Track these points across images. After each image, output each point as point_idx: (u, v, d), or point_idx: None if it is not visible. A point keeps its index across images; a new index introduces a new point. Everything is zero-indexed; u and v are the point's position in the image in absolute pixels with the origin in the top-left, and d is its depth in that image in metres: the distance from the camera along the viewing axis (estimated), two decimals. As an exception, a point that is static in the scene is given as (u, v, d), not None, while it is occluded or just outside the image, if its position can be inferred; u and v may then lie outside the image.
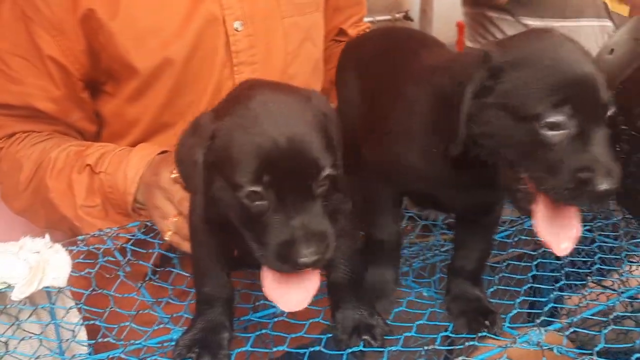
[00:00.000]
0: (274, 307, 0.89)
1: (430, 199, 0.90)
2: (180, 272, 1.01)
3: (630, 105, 0.96)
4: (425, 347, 0.79)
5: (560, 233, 0.74)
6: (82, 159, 1.04)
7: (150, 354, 0.84)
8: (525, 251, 1.07)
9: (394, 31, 1.25)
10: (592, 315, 0.85)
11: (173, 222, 0.94)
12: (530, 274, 0.98)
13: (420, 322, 0.86)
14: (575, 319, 0.82)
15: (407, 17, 3.34)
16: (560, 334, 0.80)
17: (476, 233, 0.90)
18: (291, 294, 0.71)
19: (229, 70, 1.10)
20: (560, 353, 0.76)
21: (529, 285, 0.95)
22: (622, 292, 0.92)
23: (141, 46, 1.04)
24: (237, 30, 1.09)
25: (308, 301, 0.72)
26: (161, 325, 0.89)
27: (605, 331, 0.78)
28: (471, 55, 0.77)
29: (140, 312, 0.91)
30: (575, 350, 0.76)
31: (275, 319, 0.91)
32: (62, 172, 1.05)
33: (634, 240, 1.06)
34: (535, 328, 0.80)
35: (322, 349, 0.80)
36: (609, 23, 1.77)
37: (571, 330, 0.80)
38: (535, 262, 1.01)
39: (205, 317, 0.83)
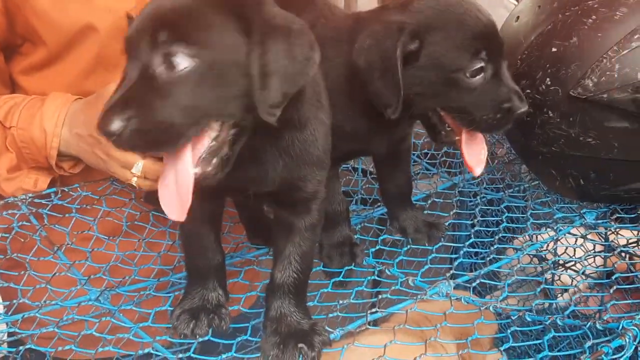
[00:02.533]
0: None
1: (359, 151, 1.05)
2: (99, 235, 0.99)
3: (532, 71, 1.01)
4: (341, 302, 0.82)
5: (476, 157, 0.90)
6: None
7: (70, 315, 0.84)
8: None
9: None
10: (499, 268, 0.90)
11: (139, 167, 0.91)
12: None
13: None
14: (482, 272, 0.86)
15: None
16: (468, 285, 0.85)
17: (398, 164, 1.03)
18: (170, 199, 0.69)
19: None
20: (467, 302, 0.81)
21: (441, 244, 0.99)
22: (526, 247, 0.98)
23: (62, 9, 0.99)
24: None
25: (184, 209, 0.68)
26: (79, 286, 0.89)
27: (509, 282, 0.83)
28: (388, 25, 0.84)
29: (57, 274, 0.90)
30: (480, 299, 0.81)
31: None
32: None
33: (539, 200, 1.13)
34: (445, 281, 0.84)
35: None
36: None
37: (478, 281, 0.85)
38: (449, 222, 1.06)
39: (200, 290, 0.82)
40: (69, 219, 0.99)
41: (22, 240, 0.94)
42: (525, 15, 1.06)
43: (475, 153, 0.91)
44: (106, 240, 1.00)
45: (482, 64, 0.84)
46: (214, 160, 0.69)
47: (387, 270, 0.92)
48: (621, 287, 0.94)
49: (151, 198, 1.00)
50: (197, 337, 0.78)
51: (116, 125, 0.63)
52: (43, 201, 1.00)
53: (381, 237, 1.01)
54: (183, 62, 0.64)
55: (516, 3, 1.81)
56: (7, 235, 0.94)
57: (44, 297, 0.87)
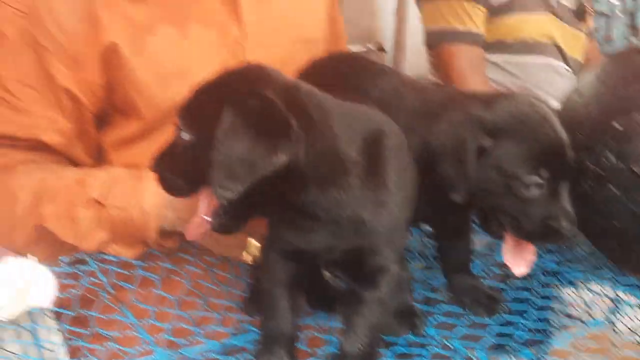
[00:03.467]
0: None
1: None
2: (162, 293, 1.02)
3: (596, 146, 1.01)
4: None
5: (520, 258, 0.92)
6: (86, 189, 1.01)
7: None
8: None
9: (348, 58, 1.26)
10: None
11: (255, 245, 0.96)
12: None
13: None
14: (545, 348, 0.86)
15: (380, 49, 3.39)
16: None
17: (458, 235, 1.05)
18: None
19: None
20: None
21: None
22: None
23: (164, 85, 1.03)
24: None
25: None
26: (145, 347, 0.90)
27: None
28: (469, 118, 0.88)
29: (126, 332, 0.92)
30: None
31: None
32: (63, 203, 1.01)
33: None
34: (506, 355, 0.84)
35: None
36: (562, 64, 1.84)
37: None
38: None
39: (269, 354, 0.84)
40: (133, 277, 1.02)
41: (94, 298, 0.96)
42: (587, 91, 1.06)
43: (520, 254, 0.93)
44: (170, 299, 1.02)
45: (540, 181, 0.86)
46: (219, 217, 0.81)
47: (446, 342, 0.92)
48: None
49: (250, 309, 1.02)
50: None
51: (153, 168, 0.83)
52: (111, 258, 1.02)
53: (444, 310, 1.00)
54: (186, 137, 0.78)
55: (568, 69, 1.82)
56: (75, 291, 0.96)
57: (109, 356, 0.89)
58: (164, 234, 1.02)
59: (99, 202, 1.01)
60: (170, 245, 1.05)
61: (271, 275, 0.84)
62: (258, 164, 0.69)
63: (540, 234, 0.88)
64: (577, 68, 1.87)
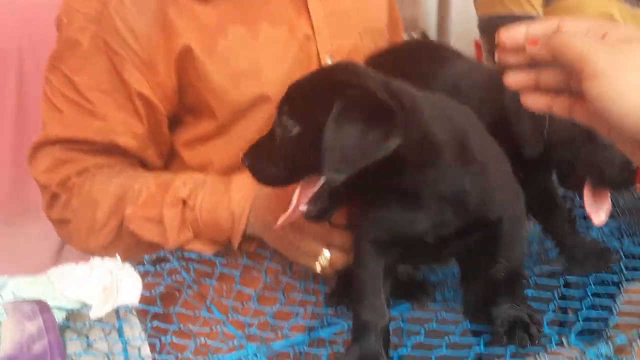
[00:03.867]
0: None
1: None
2: (242, 288, 1.03)
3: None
4: None
5: (599, 208, 0.93)
6: (172, 191, 1.03)
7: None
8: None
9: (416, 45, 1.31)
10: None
11: (326, 257, 0.97)
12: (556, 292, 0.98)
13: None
14: (641, 332, 0.84)
15: (424, 36, 3.36)
16: (628, 346, 0.82)
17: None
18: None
19: None
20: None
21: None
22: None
23: (237, 84, 1.05)
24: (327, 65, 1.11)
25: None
26: (233, 342, 0.91)
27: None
28: None
29: (213, 328, 0.93)
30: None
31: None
32: (148, 205, 1.03)
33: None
34: (602, 340, 0.82)
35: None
36: None
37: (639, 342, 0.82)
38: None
39: (362, 344, 0.86)
40: (213, 273, 1.03)
41: (177, 294, 0.98)
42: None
43: (599, 203, 0.92)
44: (249, 294, 1.03)
45: None
46: (318, 203, 0.82)
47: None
48: None
49: (331, 300, 1.04)
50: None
51: (246, 162, 0.86)
52: (192, 255, 1.04)
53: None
54: (292, 129, 0.80)
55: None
56: (159, 288, 0.97)
57: (197, 353, 0.90)
58: (247, 238, 1.03)
59: (185, 203, 1.02)
60: (251, 249, 1.06)
61: (366, 265, 0.87)
62: (371, 148, 0.75)
63: (622, 178, 0.90)
64: None
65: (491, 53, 1.87)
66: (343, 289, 1.03)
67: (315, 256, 0.98)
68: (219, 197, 1.02)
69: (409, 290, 0.99)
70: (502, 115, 0.92)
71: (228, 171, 1.09)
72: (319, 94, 0.80)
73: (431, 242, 0.85)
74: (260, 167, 0.85)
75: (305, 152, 0.80)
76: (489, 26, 1.79)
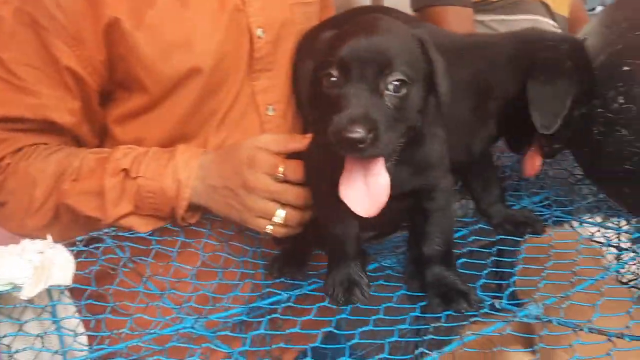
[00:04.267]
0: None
1: None
2: (179, 265, 1.02)
3: (604, 90, 1.01)
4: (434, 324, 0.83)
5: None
6: (112, 162, 1.01)
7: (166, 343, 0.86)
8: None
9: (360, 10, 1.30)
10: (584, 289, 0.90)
11: (281, 215, 0.97)
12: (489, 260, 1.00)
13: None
14: (569, 293, 0.86)
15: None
16: (557, 307, 0.85)
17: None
18: (361, 198, 0.80)
19: (248, 77, 1.11)
20: (559, 324, 0.81)
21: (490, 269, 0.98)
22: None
23: (167, 57, 1.02)
24: (259, 38, 1.10)
25: (377, 208, 0.80)
26: (172, 315, 0.90)
27: (599, 302, 0.83)
28: None
29: (150, 304, 0.92)
30: (572, 321, 0.80)
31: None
32: (87, 178, 1.01)
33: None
34: (533, 302, 0.84)
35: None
36: (549, 20, 1.83)
37: (567, 303, 0.85)
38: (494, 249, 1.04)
39: (342, 261, 0.92)
40: (149, 251, 1.01)
41: (112, 272, 0.96)
42: (594, 36, 1.06)
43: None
44: (189, 272, 1.02)
45: None
46: (388, 165, 0.80)
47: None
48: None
49: (280, 240, 1.05)
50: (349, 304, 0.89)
51: (363, 135, 0.73)
52: (126, 234, 1.02)
53: (460, 261, 1.01)
54: (401, 89, 0.78)
55: (555, 25, 1.81)
56: (93, 268, 0.96)
57: (133, 328, 0.88)
58: (191, 207, 1.02)
59: (127, 173, 1.01)
60: (192, 221, 1.05)
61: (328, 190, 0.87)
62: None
63: None
64: (563, 24, 1.86)
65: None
66: (285, 260, 1.04)
67: (268, 216, 0.98)
68: (163, 165, 1.01)
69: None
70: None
71: (161, 147, 1.07)
72: (415, 51, 0.82)
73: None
74: (374, 141, 0.75)
75: (411, 109, 0.80)
76: (421, 3, 1.80)
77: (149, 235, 1.03)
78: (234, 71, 1.08)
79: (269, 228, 0.98)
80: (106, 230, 1.01)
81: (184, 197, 1.00)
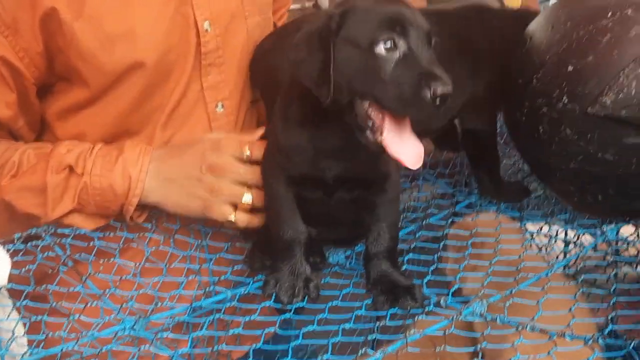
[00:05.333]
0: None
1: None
2: (122, 262, 0.99)
3: (549, 89, 1.02)
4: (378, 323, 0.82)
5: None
6: (55, 158, 0.97)
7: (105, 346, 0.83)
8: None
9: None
10: (528, 286, 0.91)
11: (248, 197, 0.97)
12: (436, 255, 1.01)
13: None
14: (513, 290, 0.87)
15: (316, 6, 3.34)
16: (501, 304, 0.86)
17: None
18: (410, 148, 0.81)
19: (197, 72, 1.08)
20: (503, 322, 0.82)
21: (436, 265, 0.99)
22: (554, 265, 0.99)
23: (109, 49, 0.98)
24: (206, 31, 1.06)
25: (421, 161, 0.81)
26: (112, 317, 0.88)
27: (542, 300, 0.84)
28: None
29: (89, 304, 0.90)
30: (516, 319, 0.81)
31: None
32: (28, 173, 0.98)
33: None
34: (477, 300, 0.85)
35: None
36: None
37: (510, 301, 0.85)
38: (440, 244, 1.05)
39: (289, 262, 0.91)
40: (91, 248, 0.99)
41: (51, 271, 0.94)
42: (538, 35, 1.07)
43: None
44: (132, 270, 0.99)
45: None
46: None
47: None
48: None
49: (248, 234, 1.04)
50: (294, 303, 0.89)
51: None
52: (66, 231, 0.99)
53: (406, 257, 1.01)
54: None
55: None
56: (32, 267, 0.93)
57: (74, 329, 0.86)
58: (141, 204, 1.00)
59: (72, 170, 0.97)
60: (140, 220, 1.03)
61: (281, 193, 0.92)
62: None
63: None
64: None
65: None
66: (263, 251, 1.01)
67: (237, 199, 0.97)
68: (112, 162, 0.98)
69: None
70: None
71: (101, 143, 1.04)
72: None
73: (329, 183, 0.90)
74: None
75: None
76: None
77: (91, 231, 1.00)
78: (180, 65, 1.05)
79: (232, 216, 0.97)
80: (45, 227, 0.98)
81: (135, 193, 0.98)
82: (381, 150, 0.80)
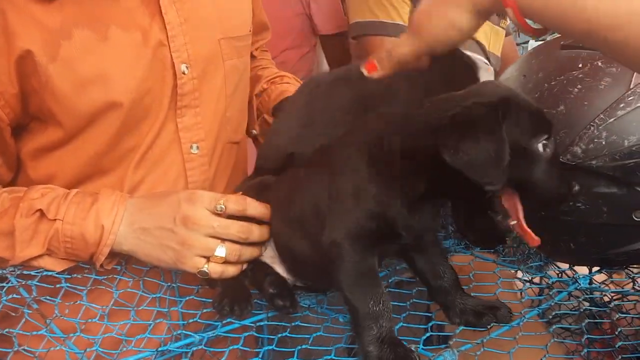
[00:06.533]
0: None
1: None
2: (89, 304, 0.97)
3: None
4: None
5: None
6: (27, 202, 0.96)
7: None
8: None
9: None
10: (499, 335, 0.90)
11: (222, 250, 0.95)
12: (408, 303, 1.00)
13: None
14: (485, 339, 0.87)
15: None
16: (472, 353, 0.85)
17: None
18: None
19: (173, 113, 1.07)
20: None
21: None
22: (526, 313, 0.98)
23: (82, 92, 0.98)
24: (183, 74, 1.06)
25: None
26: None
27: (513, 350, 0.84)
28: None
29: (51, 349, 0.88)
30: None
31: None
32: (0, 218, 0.96)
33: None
34: (448, 349, 0.84)
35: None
36: (482, 58, 1.88)
37: (481, 350, 0.85)
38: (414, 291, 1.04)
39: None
40: (58, 290, 0.97)
41: (13, 314, 0.91)
42: (511, 84, 1.08)
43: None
44: (98, 312, 0.98)
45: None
46: None
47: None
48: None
49: (213, 282, 1.02)
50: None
51: None
52: (32, 272, 0.97)
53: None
54: None
55: (488, 64, 1.86)
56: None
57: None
58: (112, 253, 0.98)
59: (42, 214, 0.96)
60: (109, 267, 1.01)
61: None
62: None
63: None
64: (496, 63, 1.91)
65: (359, 58, 1.90)
66: (232, 296, 0.99)
67: (209, 253, 0.95)
68: (86, 210, 0.96)
69: None
70: None
71: (73, 183, 1.03)
72: None
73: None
74: None
75: None
76: (358, 32, 1.82)
77: (58, 273, 0.98)
78: (156, 107, 1.05)
79: (206, 267, 0.95)
80: (11, 268, 0.96)
81: (107, 243, 0.96)
82: (509, 231, 0.87)
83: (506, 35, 2.02)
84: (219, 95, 1.13)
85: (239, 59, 1.18)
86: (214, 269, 0.96)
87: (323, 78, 1.12)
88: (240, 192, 1.02)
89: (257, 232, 0.98)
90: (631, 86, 0.98)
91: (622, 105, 0.97)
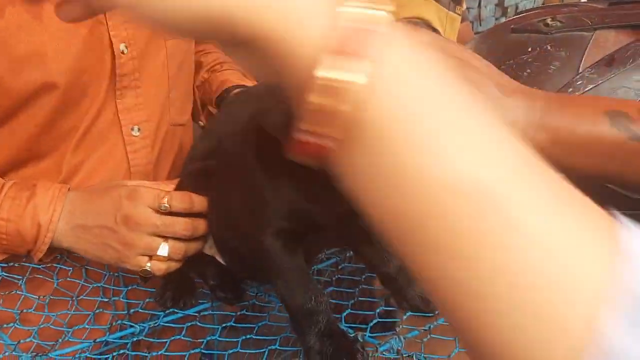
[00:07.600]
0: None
1: None
2: (28, 295, 0.94)
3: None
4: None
5: None
6: None
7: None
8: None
9: None
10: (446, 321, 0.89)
11: (165, 249, 0.91)
12: (357, 289, 0.98)
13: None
14: (432, 326, 0.86)
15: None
16: (418, 340, 0.84)
17: None
18: None
19: (112, 94, 1.03)
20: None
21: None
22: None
23: (17, 72, 0.93)
24: (122, 53, 1.02)
25: None
26: (7, 353, 0.83)
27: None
28: None
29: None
30: (434, 356, 0.80)
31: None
32: None
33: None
34: (395, 336, 0.83)
35: None
36: None
37: (429, 337, 0.84)
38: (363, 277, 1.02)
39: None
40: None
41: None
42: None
43: None
44: (36, 301, 0.94)
45: None
46: None
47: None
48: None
49: (148, 279, 0.98)
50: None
51: None
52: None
53: (328, 289, 0.98)
54: None
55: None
56: None
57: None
58: (51, 249, 0.94)
59: None
60: (48, 260, 0.98)
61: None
62: None
63: None
64: (452, 50, 1.91)
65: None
66: (175, 288, 0.97)
67: (152, 252, 0.92)
68: (22, 206, 0.92)
69: None
70: None
71: (8, 168, 0.99)
72: None
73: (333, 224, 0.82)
74: None
75: None
76: None
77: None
78: (94, 88, 1.01)
79: (148, 266, 0.92)
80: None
81: (45, 241, 0.92)
82: None
83: (462, 22, 2.02)
84: (161, 76, 1.10)
85: (182, 40, 1.14)
86: (158, 267, 0.93)
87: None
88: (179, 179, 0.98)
89: (202, 227, 0.95)
90: (580, 70, 0.97)
91: (570, 90, 0.97)
